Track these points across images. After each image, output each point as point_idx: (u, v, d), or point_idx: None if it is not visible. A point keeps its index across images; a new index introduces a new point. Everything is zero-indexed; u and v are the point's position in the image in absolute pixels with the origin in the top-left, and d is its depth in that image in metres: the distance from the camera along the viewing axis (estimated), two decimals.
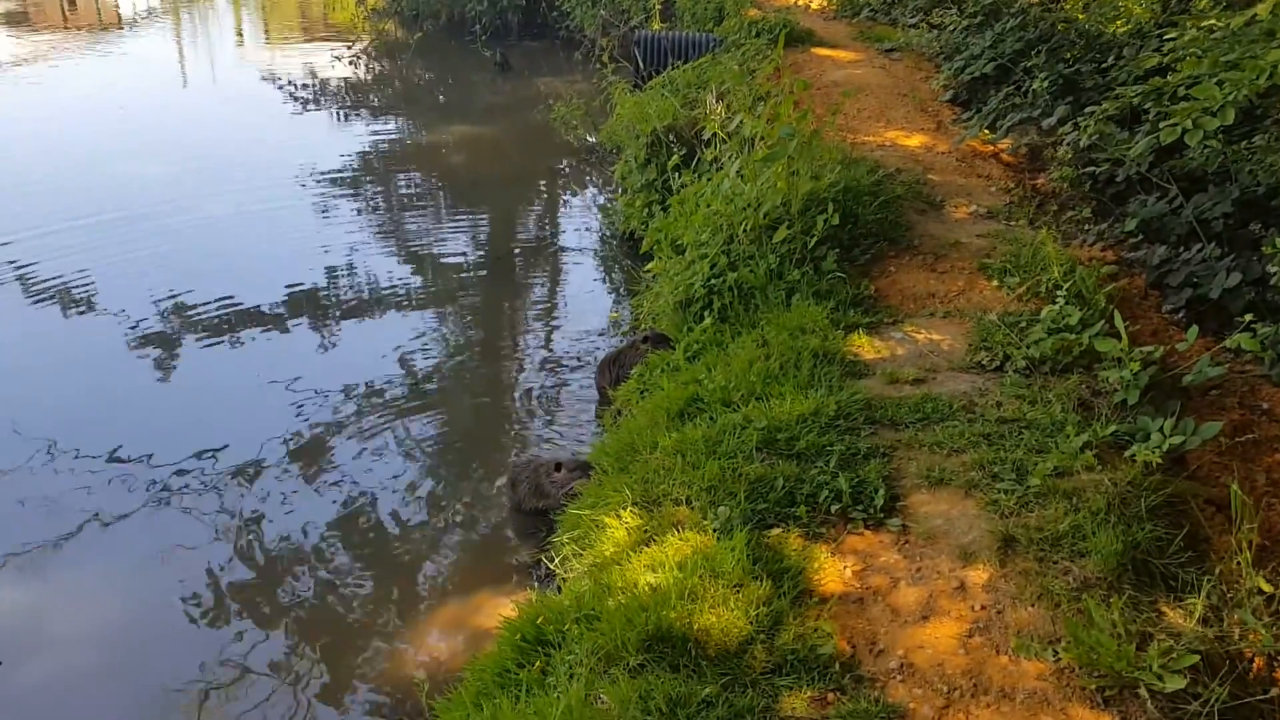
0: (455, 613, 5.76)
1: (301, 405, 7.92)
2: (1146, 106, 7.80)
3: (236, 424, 7.67)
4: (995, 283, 7.03)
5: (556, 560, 5.22)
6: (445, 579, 6.08)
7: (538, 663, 3.97)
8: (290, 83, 19.71)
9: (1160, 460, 4.72)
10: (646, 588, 4.20)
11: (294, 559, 6.27)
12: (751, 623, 3.98)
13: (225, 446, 7.32)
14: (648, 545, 4.56)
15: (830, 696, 3.71)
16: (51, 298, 9.91)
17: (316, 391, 8.11)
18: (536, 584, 5.58)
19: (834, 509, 4.72)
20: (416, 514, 6.66)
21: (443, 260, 11.21)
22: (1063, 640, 3.86)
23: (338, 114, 17.72)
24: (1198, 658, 3.62)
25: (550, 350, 9.03)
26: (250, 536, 6.45)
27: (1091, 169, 8.36)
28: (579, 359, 8.64)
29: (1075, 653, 3.75)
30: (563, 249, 11.60)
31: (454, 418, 7.89)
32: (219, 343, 9.06)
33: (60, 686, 5.40)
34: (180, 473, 7.07)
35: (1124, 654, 3.66)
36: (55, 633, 5.79)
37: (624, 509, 4.86)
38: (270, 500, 6.80)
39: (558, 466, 5.99)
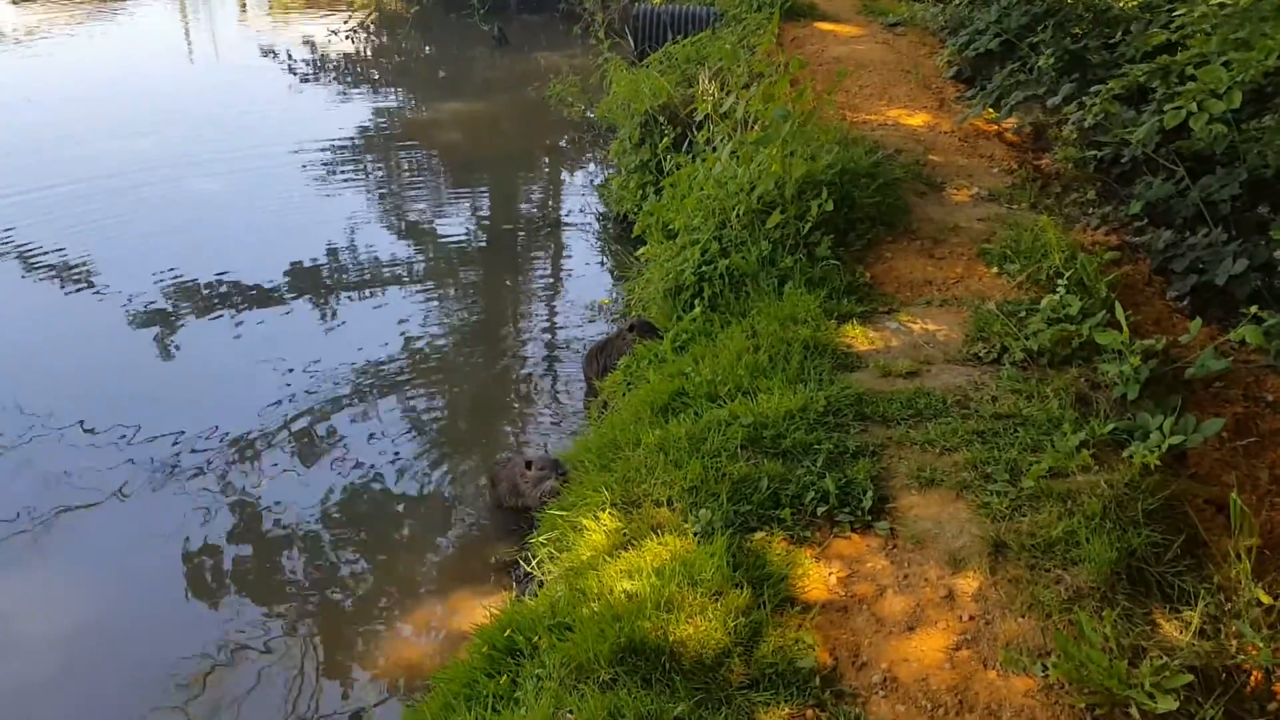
0: (433, 612, 5.62)
1: (295, 384, 7.82)
2: (1154, 85, 7.58)
3: (231, 401, 7.60)
4: (995, 269, 6.83)
5: (534, 563, 5.08)
6: (425, 575, 5.94)
7: (504, 676, 3.83)
8: (290, 56, 19.50)
9: (1158, 462, 4.54)
10: (622, 595, 4.06)
11: (283, 546, 6.20)
12: (729, 634, 3.83)
13: (219, 424, 7.26)
14: (626, 549, 4.41)
15: (809, 713, 3.58)
16: (50, 273, 9.83)
17: (311, 371, 8.01)
18: (514, 584, 5.43)
19: (820, 511, 4.57)
20: (400, 507, 6.52)
21: (439, 240, 11.04)
22: (1052, 654, 3.70)
23: (336, 88, 17.49)
24: (1191, 677, 3.47)
25: (545, 335, 8.86)
26: (238, 521, 6.38)
27: (1095, 153, 8.10)
28: (568, 346, 8.47)
29: (1065, 668, 3.60)
30: (560, 229, 11.41)
31: (446, 405, 7.75)
32: (217, 319, 8.98)
33: (58, 665, 5.34)
34: (176, 449, 7.01)
35: (1115, 670, 3.51)
36: (53, 611, 5.74)
37: (603, 510, 4.71)
38: (259, 484, 6.72)
39: (528, 464, 5.83)
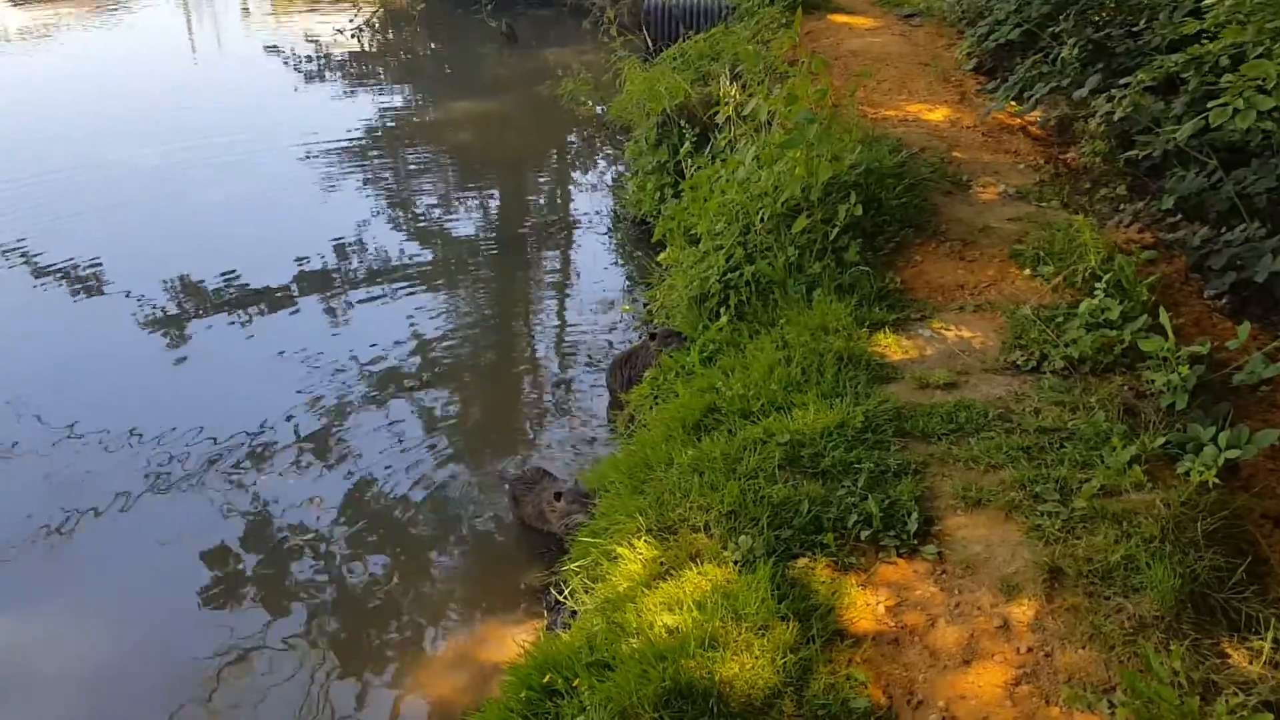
0: (459, 637, 5.44)
1: (307, 389, 7.74)
2: (1185, 76, 7.35)
3: (243, 405, 7.52)
4: (1028, 271, 6.62)
5: (566, 592, 4.91)
6: (449, 596, 5.77)
7: None
8: (295, 54, 19.37)
9: (1216, 479, 4.35)
10: (663, 631, 3.90)
11: (296, 556, 6.12)
12: (778, 672, 3.67)
13: (231, 430, 7.22)
14: (664, 579, 4.25)
15: None
16: (58, 277, 9.76)
17: (323, 375, 7.95)
18: (546, 612, 5.26)
19: (864, 535, 4.39)
20: (418, 522, 6.38)
21: (449, 242, 10.89)
22: (1118, 690, 3.54)
23: (342, 87, 17.36)
24: (1271, 716, 3.30)
25: (563, 342, 8.70)
26: (251, 529, 6.31)
27: (1133, 153, 7.84)
28: (589, 355, 8.30)
29: (1133, 705, 3.43)
30: (574, 231, 11.23)
31: (463, 413, 7.60)
32: (226, 321, 8.92)
33: (73, 670, 5.29)
34: (188, 455, 6.96)
35: (1188, 709, 3.35)
36: (67, 617, 5.68)
37: (638, 537, 4.54)
38: (272, 491, 6.64)
39: (558, 496, 5.62)
